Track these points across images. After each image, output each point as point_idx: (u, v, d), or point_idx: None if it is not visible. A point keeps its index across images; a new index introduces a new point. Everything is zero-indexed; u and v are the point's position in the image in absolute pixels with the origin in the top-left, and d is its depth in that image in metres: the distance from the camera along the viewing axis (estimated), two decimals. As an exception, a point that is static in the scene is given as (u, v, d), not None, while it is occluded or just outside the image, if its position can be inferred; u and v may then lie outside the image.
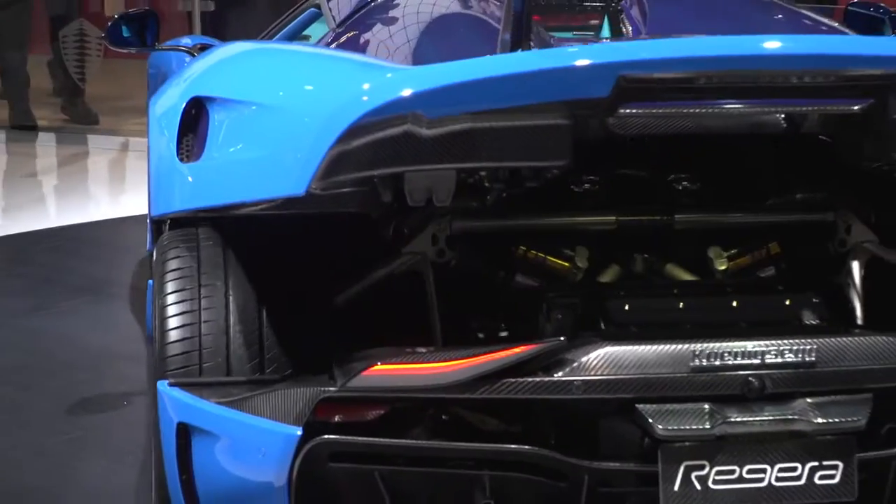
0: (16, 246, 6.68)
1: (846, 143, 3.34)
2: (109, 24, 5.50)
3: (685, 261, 3.53)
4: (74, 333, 5.40)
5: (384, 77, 3.10)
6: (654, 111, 3.23)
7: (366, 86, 3.05)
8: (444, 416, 3.16)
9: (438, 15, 4.49)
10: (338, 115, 2.97)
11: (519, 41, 3.26)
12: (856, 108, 3.16)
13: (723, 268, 3.50)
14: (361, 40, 4.40)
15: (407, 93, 2.93)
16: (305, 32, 5.17)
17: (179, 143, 3.40)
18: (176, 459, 3.25)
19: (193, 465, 3.25)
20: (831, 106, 3.24)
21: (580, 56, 2.98)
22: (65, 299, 5.88)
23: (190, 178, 3.33)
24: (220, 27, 7.56)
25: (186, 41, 6.07)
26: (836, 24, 4.73)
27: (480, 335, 3.35)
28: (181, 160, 3.36)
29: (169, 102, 3.58)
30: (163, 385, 3.25)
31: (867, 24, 5.40)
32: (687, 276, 3.52)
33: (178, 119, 3.43)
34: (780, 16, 4.57)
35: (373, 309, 3.36)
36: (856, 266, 3.41)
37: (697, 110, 3.27)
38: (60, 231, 6.92)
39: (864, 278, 3.40)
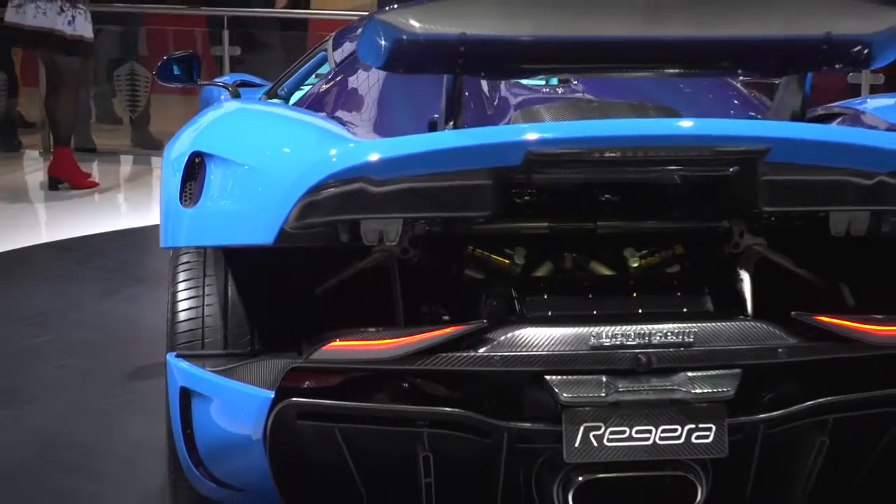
0: (95, 244, 6.62)
1: (728, 195, 3.29)
2: (159, 64, 5.49)
3: (606, 259, 3.48)
4: (135, 315, 5.39)
5: (340, 149, 3.11)
6: (562, 174, 3.25)
7: (326, 154, 3.08)
8: (391, 384, 3.13)
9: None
10: (300, 179, 3.01)
11: (453, 117, 3.28)
12: (729, 171, 3.15)
13: (636, 265, 3.47)
14: (347, 86, 4.35)
15: (357, 163, 2.98)
16: (319, 71, 5.04)
17: (182, 188, 3.36)
18: (179, 417, 3.28)
19: (193, 421, 3.27)
20: (708, 171, 3.24)
21: (497, 136, 3.08)
22: (130, 287, 5.88)
23: (188, 221, 3.32)
24: (246, 69, 7.42)
25: (226, 78, 6.15)
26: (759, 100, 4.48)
27: (433, 318, 3.31)
28: (183, 203, 3.33)
29: (178, 150, 3.52)
30: (171, 356, 3.30)
31: None
32: (606, 272, 3.47)
33: (183, 168, 3.40)
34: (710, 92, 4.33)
35: (348, 296, 3.33)
36: (746, 265, 3.36)
37: (598, 174, 3.28)
38: (130, 232, 6.95)
39: (753, 275, 3.35)
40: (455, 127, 3.24)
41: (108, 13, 7.88)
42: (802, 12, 3.32)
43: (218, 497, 3.43)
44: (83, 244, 6.57)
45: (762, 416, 3.05)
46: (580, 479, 3.00)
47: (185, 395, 3.27)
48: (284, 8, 8.27)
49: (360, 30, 4.64)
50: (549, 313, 3.20)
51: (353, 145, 3.14)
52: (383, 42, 3.15)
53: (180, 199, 3.30)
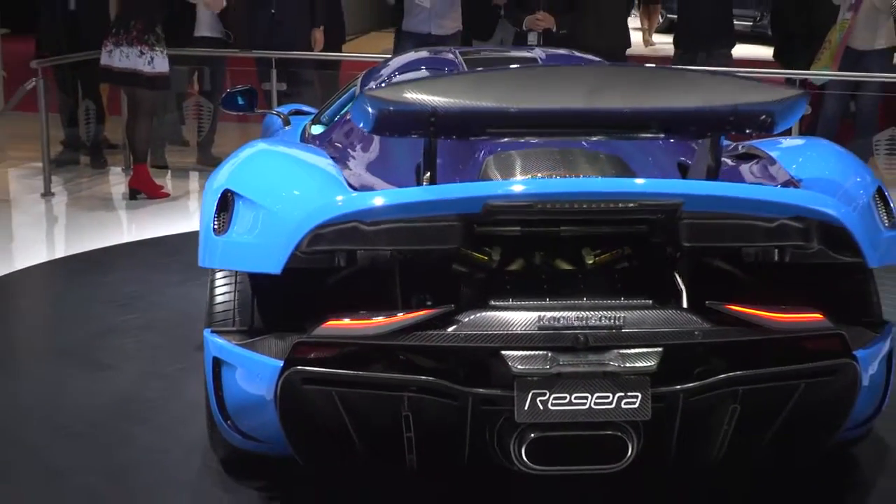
0: (169, 242, 6.55)
1: (657, 233, 3.28)
2: (224, 95, 5.52)
3: (568, 257, 3.44)
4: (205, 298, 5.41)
5: (336, 198, 3.13)
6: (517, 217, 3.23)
7: (325, 202, 3.11)
8: (378, 356, 3.12)
9: None
10: (304, 222, 3.06)
11: (429, 170, 3.30)
12: (656, 217, 3.15)
13: (591, 262, 3.41)
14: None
15: (350, 211, 3.04)
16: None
17: (216, 218, 3.36)
18: (212, 381, 3.35)
19: (223, 384, 3.33)
20: (638, 216, 3.21)
21: (459, 192, 3.12)
22: (202, 276, 5.56)
23: (218, 248, 3.31)
24: (291, 101, 7.33)
25: (282, 109, 6.09)
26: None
27: (420, 303, 3.27)
28: (214, 232, 3.33)
29: (215, 184, 3.50)
30: (207, 332, 3.38)
31: None
32: (567, 267, 3.42)
33: (216, 201, 3.39)
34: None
35: (352, 286, 3.32)
36: (681, 264, 3.32)
37: (549, 217, 3.25)
38: (197, 234, 6.84)
39: (686, 272, 3.31)
40: (431, 178, 3.28)
41: (178, 55, 7.85)
42: (715, 90, 3.33)
43: (245, 447, 3.45)
44: (160, 242, 6.55)
45: (682, 386, 3.05)
46: (532, 435, 3.01)
47: (217, 363, 3.32)
48: (322, 51, 8.21)
49: (381, 70, 4.77)
50: (509, 301, 3.18)
51: (346, 197, 3.14)
52: (371, 112, 3.20)
53: (213, 228, 3.32)
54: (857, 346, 3.19)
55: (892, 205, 3.46)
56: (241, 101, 5.38)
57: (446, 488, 3.46)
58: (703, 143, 3.49)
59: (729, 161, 3.81)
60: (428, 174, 3.28)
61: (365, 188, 3.47)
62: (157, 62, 7.24)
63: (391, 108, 3.21)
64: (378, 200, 3.08)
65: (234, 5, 7.98)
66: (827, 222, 3.13)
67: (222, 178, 3.51)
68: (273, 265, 3.12)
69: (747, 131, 3.42)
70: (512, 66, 4.32)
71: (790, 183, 3.45)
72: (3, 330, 5.23)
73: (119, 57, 7.19)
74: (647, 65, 4.41)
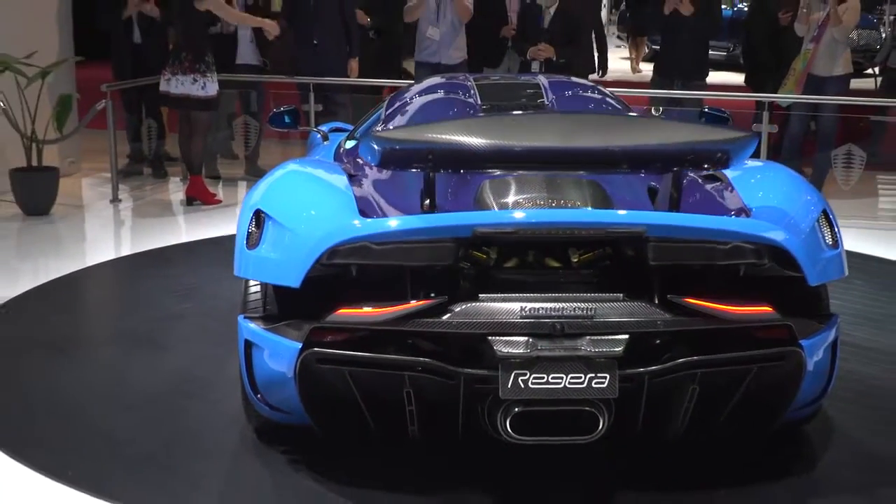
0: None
1: (630, 252, 3.31)
2: (271, 114, 5.49)
3: (557, 255, 3.45)
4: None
5: (347, 223, 3.20)
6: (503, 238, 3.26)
7: (338, 226, 3.18)
8: (384, 340, 3.15)
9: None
10: (319, 243, 3.15)
11: (428, 197, 3.31)
12: (622, 241, 3.23)
13: (576, 260, 3.42)
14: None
15: (359, 235, 3.13)
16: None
17: (249, 233, 3.42)
18: (244, 361, 3.40)
19: (253, 363, 3.38)
20: (607, 240, 3.29)
21: (451, 220, 3.17)
22: None
23: (250, 261, 3.37)
24: (326, 120, 7.36)
25: (323, 127, 6.11)
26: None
27: (424, 294, 3.26)
28: (247, 246, 3.39)
29: (251, 202, 3.55)
30: (241, 318, 3.43)
31: (717, 120, 5.15)
32: (555, 264, 3.44)
33: (249, 218, 3.45)
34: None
35: (364, 279, 3.32)
36: (654, 263, 3.26)
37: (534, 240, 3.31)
38: None
39: (659, 270, 3.28)
40: (430, 205, 3.31)
41: (227, 80, 7.95)
42: (676, 133, 3.32)
43: (273, 417, 3.50)
44: (213, 242, 6.55)
45: (647, 369, 3.08)
46: (516, 410, 3.04)
47: (248, 345, 3.37)
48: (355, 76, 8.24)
49: (405, 93, 4.81)
50: (497, 293, 3.22)
51: (356, 222, 3.20)
52: (377, 149, 3.21)
53: (246, 243, 3.40)
54: (804, 336, 3.22)
55: (835, 226, 3.48)
56: (287, 120, 5.39)
57: (446, 462, 3.50)
58: (665, 178, 3.51)
59: (696, 181, 3.81)
60: (427, 201, 3.32)
61: (376, 201, 3.54)
62: (209, 87, 7.34)
63: (395, 146, 3.22)
64: (383, 226, 3.15)
65: (276, 41, 8.00)
66: (773, 246, 3.19)
67: (256, 197, 3.56)
68: (293, 280, 3.20)
69: (705, 167, 3.40)
70: (504, 111, 4.33)
71: (742, 211, 3.46)
72: (77, 318, 5.30)
73: (175, 84, 7.30)
74: (624, 114, 4.30)
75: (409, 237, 3.14)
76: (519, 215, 3.22)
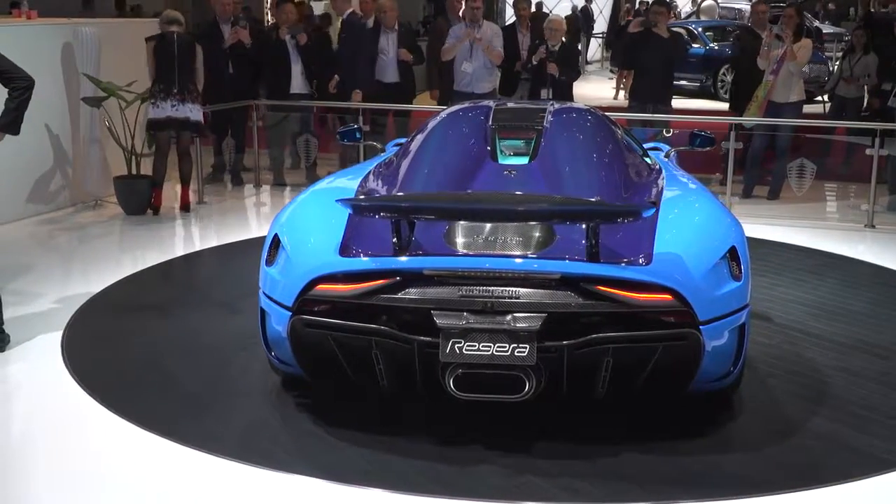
0: None
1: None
2: (342, 130, 5.44)
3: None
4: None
5: (327, 261, 3.24)
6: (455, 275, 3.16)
7: (320, 262, 3.24)
8: (357, 310, 3.17)
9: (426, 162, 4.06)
10: (305, 274, 3.24)
11: (396, 239, 3.24)
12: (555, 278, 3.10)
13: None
14: (391, 166, 4.16)
15: (334, 271, 3.18)
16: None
17: (269, 252, 3.47)
18: (260, 325, 3.49)
19: (266, 326, 3.45)
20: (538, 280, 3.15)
21: (408, 264, 3.17)
22: None
23: (266, 276, 3.44)
24: (371, 139, 7.15)
25: (389, 144, 5.65)
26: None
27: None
28: (266, 263, 3.45)
29: (276, 223, 3.57)
30: (261, 293, 3.49)
31: (706, 140, 5.07)
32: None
33: (271, 240, 3.50)
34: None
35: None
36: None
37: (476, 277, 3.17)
38: None
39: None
40: (398, 244, 3.22)
41: (288, 105, 7.98)
42: (595, 200, 3.37)
43: (281, 369, 3.57)
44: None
45: (565, 342, 3.06)
46: (459, 371, 3.08)
47: (263, 312, 3.45)
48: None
49: (437, 117, 4.48)
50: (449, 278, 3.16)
51: (333, 260, 3.24)
52: (364, 206, 3.26)
53: (266, 260, 3.45)
54: (705, 321, 3.13)
55: (741, 261, 3.32)
56: (357, 136, 5.37)
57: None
58: (584, 229, 3.24)
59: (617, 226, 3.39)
60: (395, 239, 3.27)
61: (363, 235, 3.41)
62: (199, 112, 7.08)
63: (376, 205, 3.29)
64: (353, 265, 3.21)
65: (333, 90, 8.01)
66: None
67: (281, 219, 3.60)
68: (288, 300, 3.28)
69: (618, 220, 3.17)
70: (508, 130, 4.21)
71: (647, 256, 3.22)
72: (172, 294, 5.33)
73: (193, 110, 7.05)
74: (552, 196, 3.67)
75: (372, 274, 3.20)
76: (456, 262, 3.19)
